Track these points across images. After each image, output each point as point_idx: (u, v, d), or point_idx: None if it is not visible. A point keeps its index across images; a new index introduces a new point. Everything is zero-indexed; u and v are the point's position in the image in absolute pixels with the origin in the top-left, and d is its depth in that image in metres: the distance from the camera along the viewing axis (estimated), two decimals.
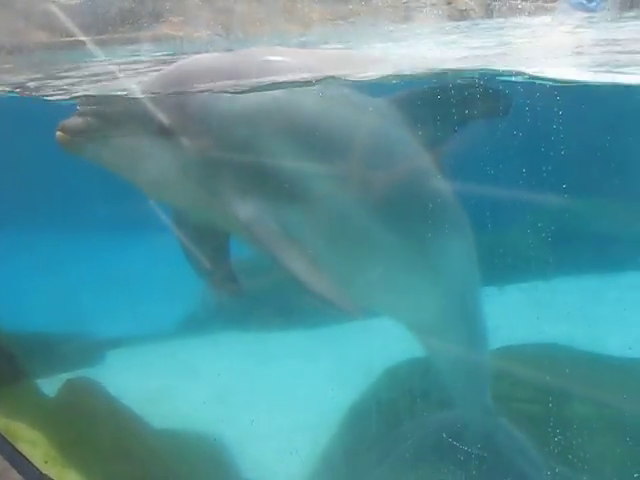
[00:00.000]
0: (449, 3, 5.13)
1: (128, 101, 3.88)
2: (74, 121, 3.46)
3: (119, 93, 4.25)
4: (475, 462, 4.39)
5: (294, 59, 3.99)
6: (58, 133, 3.42)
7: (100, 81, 4.97)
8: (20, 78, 5.86)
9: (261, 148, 3.53)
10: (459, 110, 3.71)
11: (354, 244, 3.84)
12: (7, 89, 5.75)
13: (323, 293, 3.42)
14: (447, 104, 3.70)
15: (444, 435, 4.48)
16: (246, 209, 3.47)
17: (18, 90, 5.68)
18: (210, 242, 3.97)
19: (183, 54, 5.39)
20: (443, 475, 4.48)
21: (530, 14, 5.02)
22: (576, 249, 6.30)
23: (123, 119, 3.54)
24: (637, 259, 6.82)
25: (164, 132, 3.44)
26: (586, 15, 5.25)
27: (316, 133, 3.67)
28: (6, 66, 6.14)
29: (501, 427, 4.64)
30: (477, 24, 5.43)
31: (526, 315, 5.17)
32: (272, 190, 3.54)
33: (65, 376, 5.79)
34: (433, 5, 5.31)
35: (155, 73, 4.11)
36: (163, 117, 3.47)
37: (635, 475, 4.25)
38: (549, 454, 4.38)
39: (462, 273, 4.28)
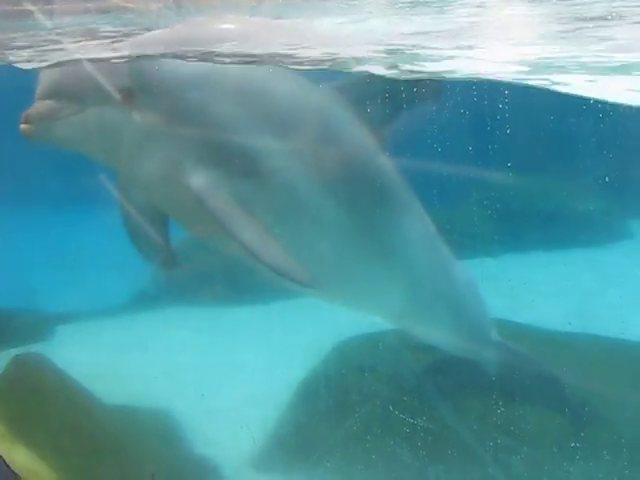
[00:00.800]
0: None
1: (87, 71, 3.68)
2: (35, 109, 3.40)
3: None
4: (420, 433, 4.48)
5: (242, 27, 4.11)
6: (22, 126, 3.37)
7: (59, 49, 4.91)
8: None
9: (215, 118, 3.55)
10: (395, 97, 3.81)
11: (304, 220, 3.86)
12: None
13: (276, 264, 3.42)
14: (383, 92, 3.84)
15: (391, 408, 4.56)
16: (199, 178, 3.48)
17: None
18: (150, 222, 3.95)
19: (133, 26, 5.33)
20: (389, 447, 4.56)
21: None
22: (523, 226, 6.41)
23: (84, 92, 3.46)
24: (580, 236, 6.98)
25: (125, 99, 3.42)
26: None
27: (267, 108, 3.69)
28: None
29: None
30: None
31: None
32: (226, 162, 3.55)
33: (13, 351, 5.70)
34: None
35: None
36: (125, 83, 3.46)
37: (572, 444, 4.35)
38: (492, 425, 4.47)
39: (414, 245, 4.31)
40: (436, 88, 4.00)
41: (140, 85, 3.49)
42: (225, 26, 4.18)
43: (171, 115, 3.50)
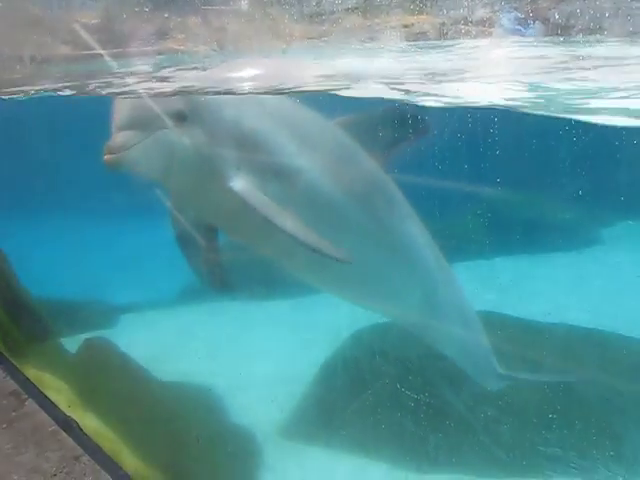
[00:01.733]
0: (406, 26, 5.13)
1: (149, 102, 3.77)
2: (115, 140, 3.36)
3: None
4: (423, 407, 4.56)
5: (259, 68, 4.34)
6: (107, 157, 3.32)
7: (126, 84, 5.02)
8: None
9: (248, 134, 3.64)
10: (389, 134, 3.97)
11: (325, 218, 3.90)
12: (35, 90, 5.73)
13: (316, 245, 3.48)
14: (379, 129, 3.98)
15: (398, 386, 4.64)
16: (240, 182, 3.56)
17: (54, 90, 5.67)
18: (202, 239, 4.02)
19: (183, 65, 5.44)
20: (396, 418, 4.62)
21: (474, 37, 5.03)
22: (511, 234, 6.44)
23: (148, 120, 3.49)
24: (559, 242, 6.99)
25: (178, 122, 3.48)
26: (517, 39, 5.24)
27: (290, 129, 3.82)
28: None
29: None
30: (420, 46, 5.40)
31: (469, 288, 5.17)
32: (259, 167, 3.64)
33: (85, 336, 5.85)
34: (392, 28, 5.31)
35: None
36: (178, 109, 3.52)
37: (550, 416, 4.43)
38: (483, 400, 4.55)
39: (427, 258, 4.33)
40: (424, 123, 4.06)
41: (190, 110, 3.54)
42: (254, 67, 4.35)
43: (214, 133, 3.57)
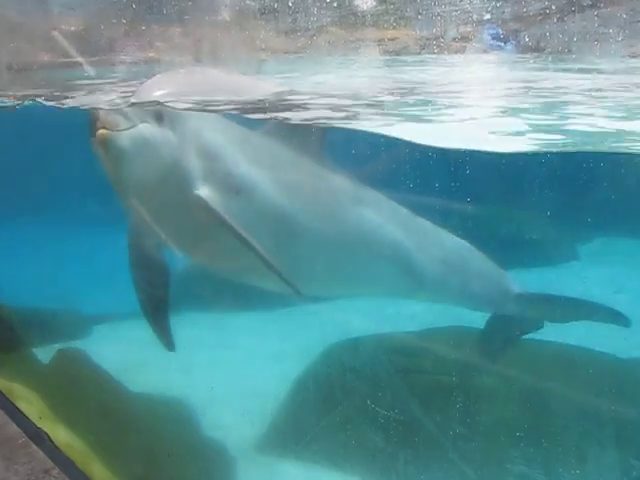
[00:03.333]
0: (391, 39, 5.21)
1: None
2: (107, 117, 3.30)
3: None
4: (392, 423, 4.67)
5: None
6: (101, 132, 3.26)
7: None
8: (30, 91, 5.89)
9: (208, 145, 3.72)
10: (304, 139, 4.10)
11: (290, 234, 4.01)
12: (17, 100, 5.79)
13: (274, 267, 3.59)
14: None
15: (368, 402, 4.75)
16: (205, 190, 3.62)
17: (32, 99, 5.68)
18: (152, 285, 4.09)
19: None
20: (366, 434, 4.71)
21: (456, 52, 5.12)
22: (489, 251, 6.55)
23: (134, 110, 3.50)
24: (537, 258, 7.12)
25: (158, 122, 3.51)
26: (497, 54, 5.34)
27: (246, 141, 3.97)
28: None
29: None
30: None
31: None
32: (222, 181, 3.71)
33: (57, 346, 5.87)
34: (375, 41, 5.39)
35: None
36: (158, 109, 3.59)
37: (518, 434, 4.51)
38: (452, 417, 4.67)
39: (391, 234, 4.42)
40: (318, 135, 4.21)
41: (166, 111, 3.62)
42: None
43: (183, 139, 3.61)
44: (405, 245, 4.45)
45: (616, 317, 4.77)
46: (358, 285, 4.53)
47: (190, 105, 4.05)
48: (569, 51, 4.17)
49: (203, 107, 4.12)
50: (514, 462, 4.41)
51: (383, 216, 4.40)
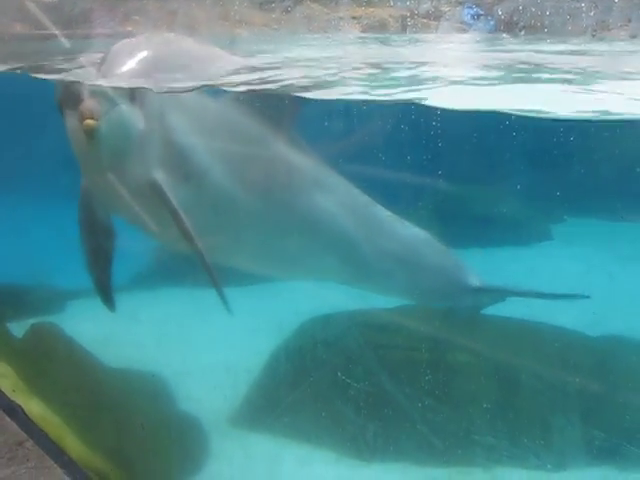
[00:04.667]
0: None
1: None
2: (88, 106, 3.27)
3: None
4: (362, 395, 4.82)
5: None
6: (88, 121, 3.24)
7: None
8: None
9: (168, 129, 3.72)
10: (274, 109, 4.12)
11: (240, 218, 4.05)
12: None
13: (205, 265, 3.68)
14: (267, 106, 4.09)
15: (339, 374, 4.89)
16: (160, 178, 3.65)
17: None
18: (99, 248, 4.12)
19: None
20: (336, 406, 4.87)
21: (436, 31, 5.19)
22: (461, 228, 6.68)
23: (110, 92, 3.47)
24: (509, 237, 7.28)
25: (131, 102, 3.50)
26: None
27: (204, 124, 3.95)
28: None
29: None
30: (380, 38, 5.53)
31: None
32: (175, 168, 3.73)
33: (31, 321, 5.93)
34: (355, 18, 5.46)
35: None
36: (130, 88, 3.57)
37: (509, 415, 4.67)
38: (421, 390, 4.81)
39: (339, 216, 4.45)
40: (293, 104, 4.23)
41: (137, 90, 3.60)
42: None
43: (148, 121, 3.60)
44: (350, 234, 4.50)
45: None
46: (300, 269, 4.61)
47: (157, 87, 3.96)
48: (542, 25, 4.27)
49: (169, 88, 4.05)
50: (481, 433, 4.58)
51: (335, 203, 4.44)
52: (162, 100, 3.77)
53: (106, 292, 4.39)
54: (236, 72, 4.40)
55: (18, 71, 5.61)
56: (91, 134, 3.29)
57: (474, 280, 5.02)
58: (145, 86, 3.73)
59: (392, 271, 4.73)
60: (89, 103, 3.27)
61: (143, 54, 3.82)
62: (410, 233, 4.84)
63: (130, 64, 3.72)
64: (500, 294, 5.02)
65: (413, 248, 4.87)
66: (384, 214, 4.70)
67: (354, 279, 4.71)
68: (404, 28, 5.32)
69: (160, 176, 3.66)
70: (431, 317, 5.13)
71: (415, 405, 4.74)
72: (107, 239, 4.18)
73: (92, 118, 3.25)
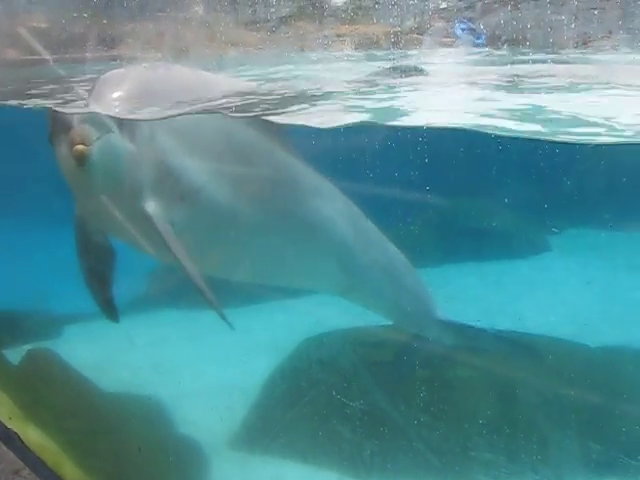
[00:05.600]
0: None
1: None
2: (79, 132, 3.31)
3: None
4: (358, 414, 4.85)
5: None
6: (79, 147, 3.27)
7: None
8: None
9: (159, 152, 3.72)
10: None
11: (236, 232, 4.05)
12: None
13: (202, 289, 3.66)
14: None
15: (335, 394, 4.93)
16: (150, 205, 3.65)
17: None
18: (97, 265, 4.13)
19: None
20: (333, 425, 4.91)
21: (427, 47, 5.23)
22: (460, 242, 6.74)
23: (101, 119, 3.49)
24: (506, 250, 7.33)
25: (120, 129, 3.50)
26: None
27: (195, 143, 3.95)
28: None
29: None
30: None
31: None
32: (168, 191, 3.73)
33: (27, 347, 5.94)
34: (341, 36, 5.51)
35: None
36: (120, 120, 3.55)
37: (506, 430, 4.69)
38: (416, 408, 4.85)
39: (338, 230, 4.49)
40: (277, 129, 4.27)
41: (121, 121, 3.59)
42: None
43: (137, 147, 3.60)
44: (350, 243, 4.56)
45: (529, 351, 4.95)
46: (297, 278, 4.62)
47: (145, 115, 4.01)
48: (524, 38, 4.34)
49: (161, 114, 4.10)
50: (478, 450, 4.61)
51: (336, 211, 4.50)
52: (152, 124, 3.81)
53: (109, 309, 4.42)
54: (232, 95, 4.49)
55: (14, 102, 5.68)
56: (82, 160, 3.32)
57: (440, 312, 5.08)
58: (133, 117, 3.79)
59: (380, 285, 4.80)
60: (79, 129, 3.32)
61: (132, 83, 3.90)
62: (394, 251, 4.90)
63: (118, 93, 3.78)
64: (459, 331, 5.04)
65: (397, 267, 4.93)
66: (373, 228, 4.76)
67: (346, 288, 4.73)
68: (395, 44, 5.36)
69: (150, 202, 3.68)
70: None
71: (411, 422, 4.77)
72: (106, 258, 4.20)
73: (82, 143, 3.29)
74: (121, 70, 4.13)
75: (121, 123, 3.56)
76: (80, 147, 3.29)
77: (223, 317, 3.71)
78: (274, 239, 4.22)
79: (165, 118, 4.01)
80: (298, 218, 4.36)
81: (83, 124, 3.35)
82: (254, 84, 4.96)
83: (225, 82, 4.82)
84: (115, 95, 3.77)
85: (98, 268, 4.17)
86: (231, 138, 4.21)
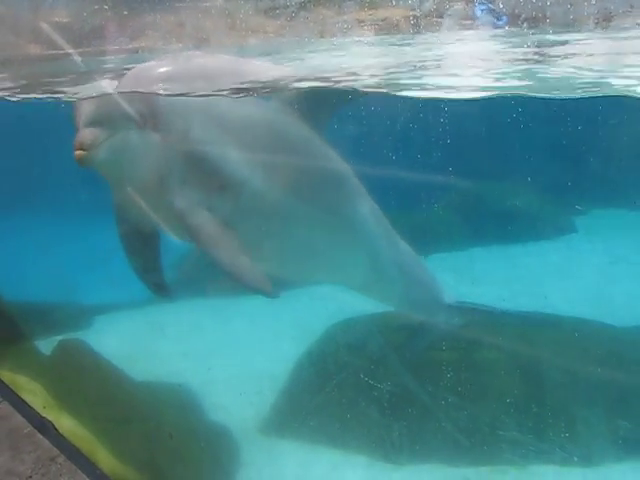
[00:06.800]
0: (383, 20, 5.35)
1: (113, 100, 3.84)
2: (84, 136, 3.42)
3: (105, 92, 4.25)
4: (386, 395, 4.94)
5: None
6: (78, 152, 3.39)
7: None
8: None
9: (195, 142, 3.77)
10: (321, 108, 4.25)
11: (278, 224, 4.09)
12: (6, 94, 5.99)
13: (244, 278, 3.72)
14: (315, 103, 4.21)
15: (363, 376, 5.02)
16: (182, 198, 3.70)
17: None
18: (143, 249, 4.18)
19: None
20: (361, 408, 4.98)
21: (448, 30, 5.25)
22: (486, 225, 6.77)
23: (114, 118, 3.59)
24: (532, 232, 7.34)
25: (141, 125, 3.62)
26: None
27: (237, 131, 3.98)
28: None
29: None
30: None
31: (442, 279, 5.47)
32: (205, 180, 3.77)
33: (59, 338, 6.14)
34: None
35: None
36: (140, 111, 3.65)
37: (508, 400, 4.81)
38: (443, 389, 4.94)
39: (369, 229, 4.58)
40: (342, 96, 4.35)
41: (149, 112, 3.69)
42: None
43: (166, 141, 3.70)
44: (378, 240, 4.68)
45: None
46: (327, 272, 4.70)
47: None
48: (544, 16, 4.33)
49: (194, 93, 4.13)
50: (507, 429, 4.69)
51: (368, 208, 4.58)
52: (186, 116, 3.87)
53: (161, 290, 4.47)
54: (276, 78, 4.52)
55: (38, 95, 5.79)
56: (82, 164, 3.46)
57: (447, 297, 5.15)
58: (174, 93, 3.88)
59: (396, 278, 4.88)
60: (82, 134, 3.47)
61: (170, 68, 4.05)
62: (404, 245, 4.96)
63: (159, 72, 3.96)
64: (472, 314, 5.12)
65: (408, 259, 5.00)
66: (388, 224, 4.83)
67: (367, 282, 4.81)
68: (415, 27, 5.38)
69: (179, 191, 3.74)
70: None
71: (439, 403, 4.85)
72: (150, 241, 4.26)
73: (82, 149, 3.42)
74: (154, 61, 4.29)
75: (143, 119, 3.66)
76: (78, 152, 3.44)
77: (266, 292, 3.73)
78: (313, 234, 4.29)
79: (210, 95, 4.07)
80: (339, 214, 4.43)
81: (87, 128, 3.49)
82: None
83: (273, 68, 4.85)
84: (156, 74, 3.94)
85: (144, 252, 4.24)
86: (272, 128, 4.24)
